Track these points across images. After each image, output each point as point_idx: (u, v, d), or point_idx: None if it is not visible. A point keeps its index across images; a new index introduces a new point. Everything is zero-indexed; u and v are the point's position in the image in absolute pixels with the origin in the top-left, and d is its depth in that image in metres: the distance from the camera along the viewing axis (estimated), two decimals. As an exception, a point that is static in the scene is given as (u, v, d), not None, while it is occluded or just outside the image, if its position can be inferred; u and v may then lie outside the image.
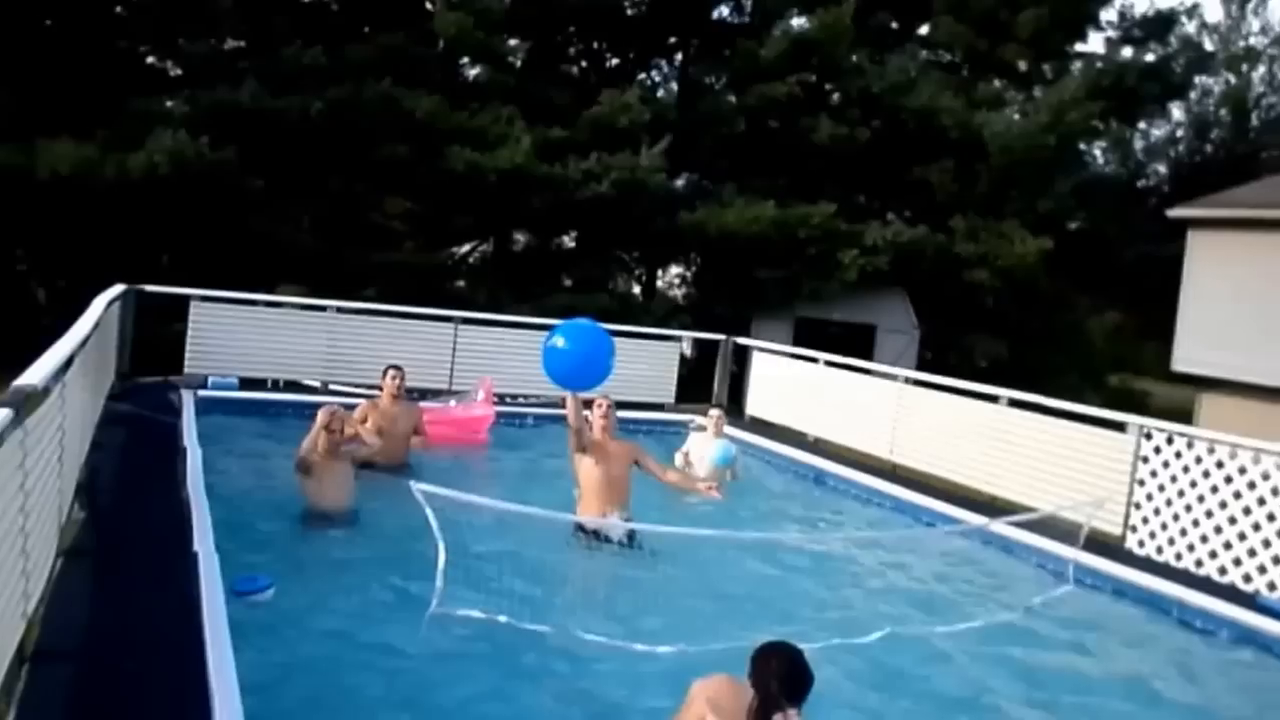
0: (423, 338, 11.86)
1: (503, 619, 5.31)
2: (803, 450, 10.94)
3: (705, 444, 9.35)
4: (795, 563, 7.17)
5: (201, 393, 10.24)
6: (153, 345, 11.28)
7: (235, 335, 11.07)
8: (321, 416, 7.13)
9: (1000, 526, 7.82)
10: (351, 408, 8.40)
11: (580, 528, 6.94)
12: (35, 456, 4.36)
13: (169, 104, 16.56)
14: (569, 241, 22.13)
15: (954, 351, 21.26)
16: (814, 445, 11.33)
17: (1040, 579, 7.48)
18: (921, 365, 18.98)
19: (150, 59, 18.93)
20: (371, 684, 4.69)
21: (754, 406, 12.90)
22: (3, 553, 3.68)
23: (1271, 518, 7.45)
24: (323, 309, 11.69)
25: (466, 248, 22.36)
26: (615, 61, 23.43)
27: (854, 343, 18.20)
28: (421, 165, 17.52)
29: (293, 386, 11.28)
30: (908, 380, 11.29)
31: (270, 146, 16.63)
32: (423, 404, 9.55)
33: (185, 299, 10.98)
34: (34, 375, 4.33)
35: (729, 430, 11.63)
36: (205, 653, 4.16)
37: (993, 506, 8.77)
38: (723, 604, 6.11)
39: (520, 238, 21.95)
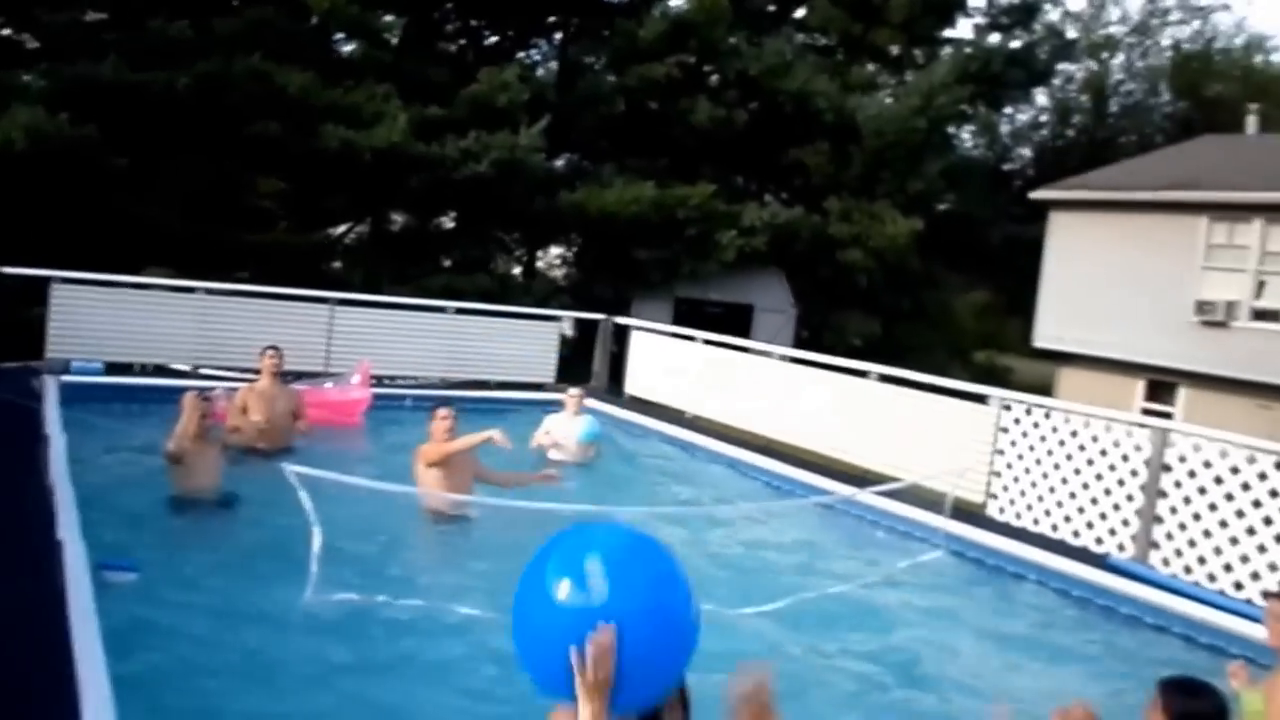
0: (297, 319, 11.58)
1: (380, 599, 5.29)
2: (680, 427, 11.15)
3: (566, 423, 9.42)
4: (667, 535, 7.32)
5: (64, 378, 9.77)
6: (11, 330, 10.72)
7: (99, 318, 10.59)
8: (189, 406, 6.93)
9: (868, 496, 8.15)
10: (230, 391, 8.21)
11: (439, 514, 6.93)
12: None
13: (26, 78, 15.71)
14: (448, 222, 21.87)
15: (829, 330, 21.90)
16: (692, 422, 11.56)
17: (907, 546, 7.84)
18: (798, 343, 19.49)
19: (6, 31, 17.86)
20: (245, 671, 4.59)
21: (633, 385, 13.06)
22: None
23: (1121, 483, 7.97)
24: (191, 290, 11.30)
25: (342, 228, 21.87)
26: (494, 40, 23.18)
27: (732, 322, 18.60)
28: (294, 143, 17.02)
29: (161, 371, 10.89)
30: (783, 358, 11.62)
31: (135, 123, 15.90)
32: (296, 385, 9.33)
33: (46, 281, 10.46)
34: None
35: (610, 409, 11.81)
36: (71, 641, 4.04)
37: (865, 478, 9.10)
38: None
39: (398, 218, 21.57)
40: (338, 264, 20.30)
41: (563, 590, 2.05)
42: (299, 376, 10.15)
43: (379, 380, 10.89)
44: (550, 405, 10.99)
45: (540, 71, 22.28)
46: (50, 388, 9.23)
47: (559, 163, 21.85)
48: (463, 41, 22.84)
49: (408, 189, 18.35)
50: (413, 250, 20.02)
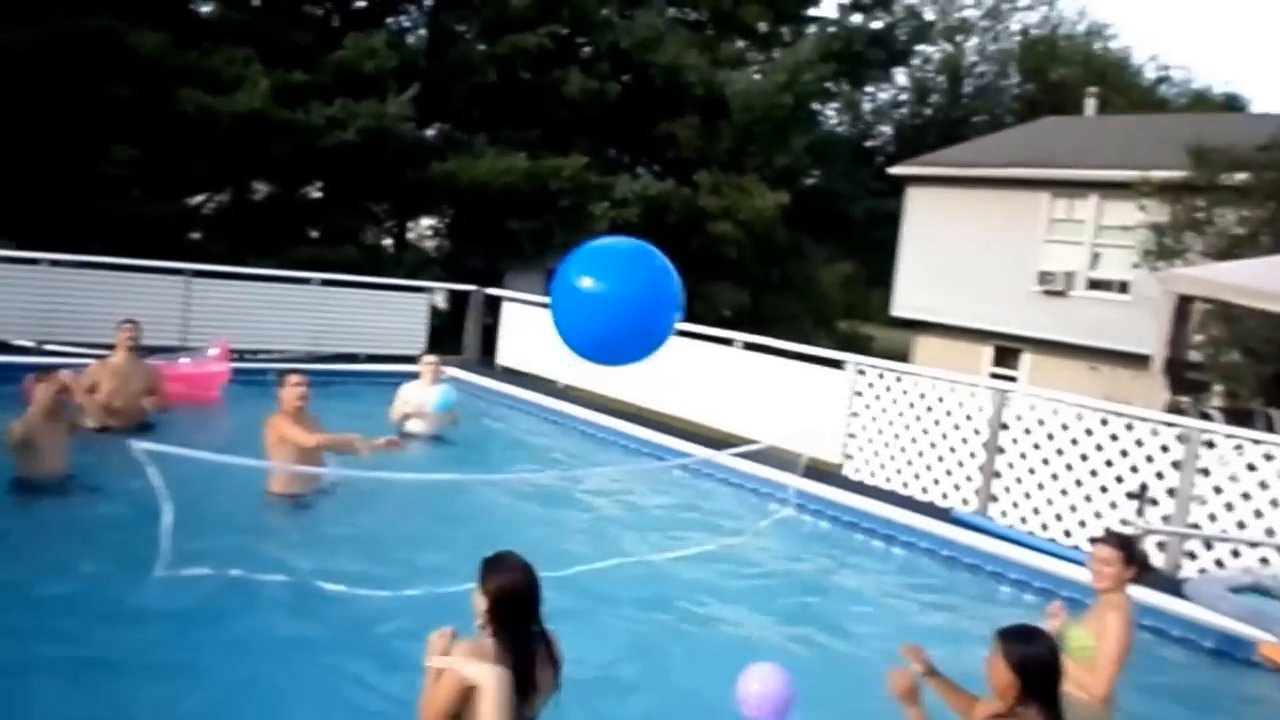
0: (152, 292, 11.13)
1: (235, 573, 5.20)
2: (551, 397, 11.22)
3: (423, 391, 9.31)
4: (527, 501, 7.43)
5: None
6: None
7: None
8: (46, 385, 6.60)
9: (726, 458, 8.41)
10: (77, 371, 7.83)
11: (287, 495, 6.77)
12: None
13: None
14: (314, 192, 21.23)
15: (699, 300, 22.22)
16: (564, 392, 11.64)
17: (765, 506, 8.13)
18: (670, 314, 19.70)
19: None
20: (99, 652, 4.47)
21: (505, 356, 13.06)
22: None
23: (965, 441, 8.45)
24: (35, 263, 10.72)
25: (201, 198, 20.95)
26: (361, 4, 22.51)
27: (606, 293, 18.63)
28: (148, 108, 16.24)
29: (2, 347, 10.32)
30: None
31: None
32: (151, 360, 8.94)
33: None
34: None
35: (481, 381, 11.79)
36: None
37: (729, 443, 9.36)
38: (455, 545, 6.16)
39: (260, 187, 20.78)
40: (197, 235, 19.49)
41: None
42: (153, 352, 9.71)
43: (240, 355, 10.59)
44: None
45: (410, 39, 21.76)
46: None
47: (430, 132, 21.43)
48: (328, 5, 22.10)
49: (271, 157, 17.73)
50: (277, 221, 19.36)
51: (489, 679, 3.17)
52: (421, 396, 9.23)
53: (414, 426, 9.09)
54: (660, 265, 3.64)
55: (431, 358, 9.67)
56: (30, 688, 4.13)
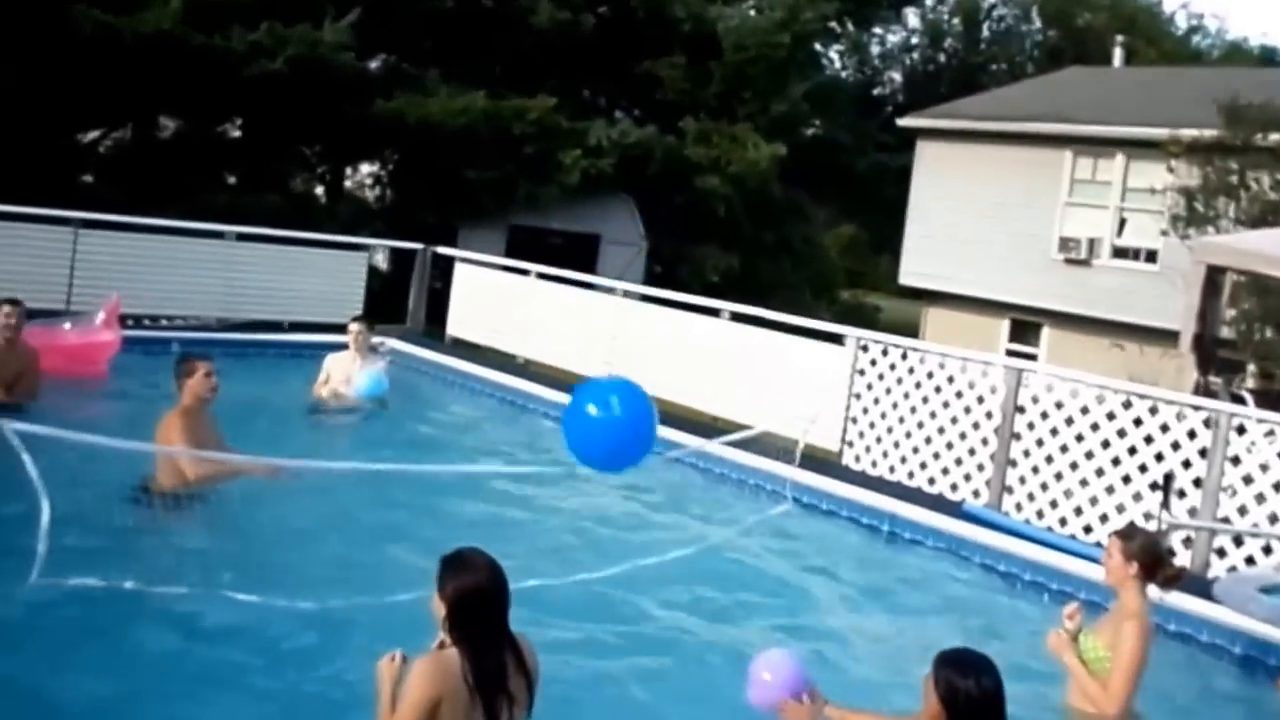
0: (32, 246, 10.72)
1: (129, 585, 4.98)
2: (511, 375, 11.06)
3: (349, 364, 9.06)
4: (480, 499, 7.22)
5: None
6: None
7: None
8: None
9: (715, 447, 8.30)
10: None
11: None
12: None
13: None
14: (234, 130, 20.91)
15: (684, 264, 22.14)
16: (524, 368, 11.51)
17: (759, 500, 8.03)
18: (650, 280, 19.63)
19: None
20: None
21: (456, 326, 12.88)
22: None
23: (976, 426, 8.41)
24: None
25: (96, 134, 20.54)
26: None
27: (576, 255, 18.53)
28: (34, 26, 15.86)
29: None
30: (626, 294, 11.68)
31: None
32: (30, 326, 8.52)
33: None
34: None
35: (427, 354, 11.62)
36: None
37: (714, 427, 9.28)
38: (391, 547, 6.07)
39: (169, 124, 20.43)
40: (89, 177, 19.12)
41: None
42: (32, 316, 9.29)
43: (136, 320, 10.34)
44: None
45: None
46: None
47: (373, 65, 21.12)
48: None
49: (181, 88, 17.40)
50: (188, 163, 19.00)
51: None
52: (348, 370, 9.01)
53: (338, 407, 8.88)
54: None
55: (357, 325, 9.37)
56: None
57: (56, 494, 4.93)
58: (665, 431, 9.13)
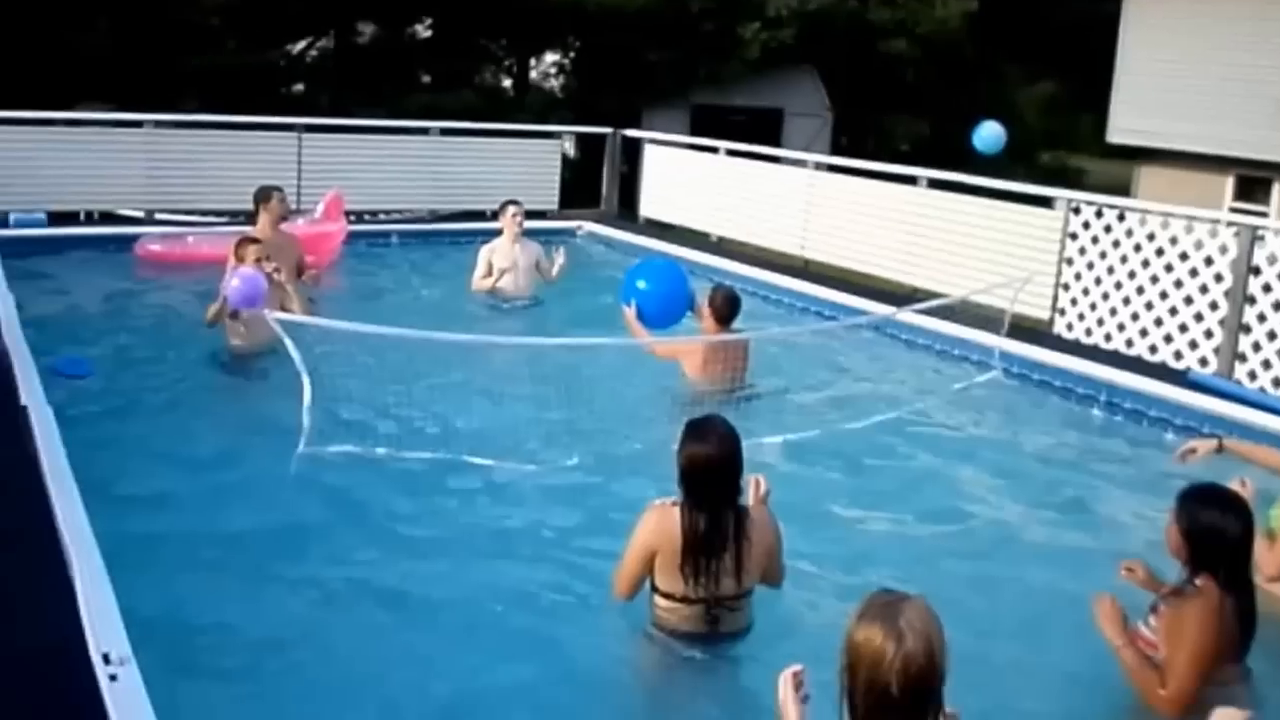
0: (262, 151, 11.45)
1: (381, 451, 5.47)
2: (705, 252, 11.13)
3: (508, 250, 8.83)
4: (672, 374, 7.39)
5: (3, 232, 9.86)
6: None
7: (35, 163, 10.49)
8: (251, 253, 6.94)
9: (916, 316, 8.18)
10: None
11: None
12: None
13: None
14: (424, 31, 21.33)
15: (872, 135, 21.57)
16: (718, 246, 11.55)
17: (964, 369, 7.93)
18: (836, 151, 19.22)
19: None
20: (239, 527, 4.83)
21: (649, 207, 13.01)
22: None
23: (1204, 289, 8.00)
24: (138, 125, 11.19)
25: (302, 44, 21.36)
26: None
27: (759, 130, 18.28)
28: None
29: (110, 218, 10.92)
30: (818, 166, 11.51)
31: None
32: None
33: (-35, 123, 10.37)
34: None
35: (621, 235, 11.80)
36: (53, 509, 4.23)
37: (913, 297, 9.15)
38: (607, 416, 6.23)
39: (365, 29, 21.02)
40: (299, 86, 19.96)
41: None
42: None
43: (358, 216, 10.87)
44: (555, 235, 11.02)
45: None
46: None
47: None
48: None
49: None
50: (385, 66, 19.60)
51: None
52: (511, 257, 8.83)
53: (506, 290, 8.81)
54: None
55: (515, 207, 9.06)
56: (164, 549, 4.55)
57: (316, 374, 5.47)
58: (864, 302, 9.17)
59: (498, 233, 9.12)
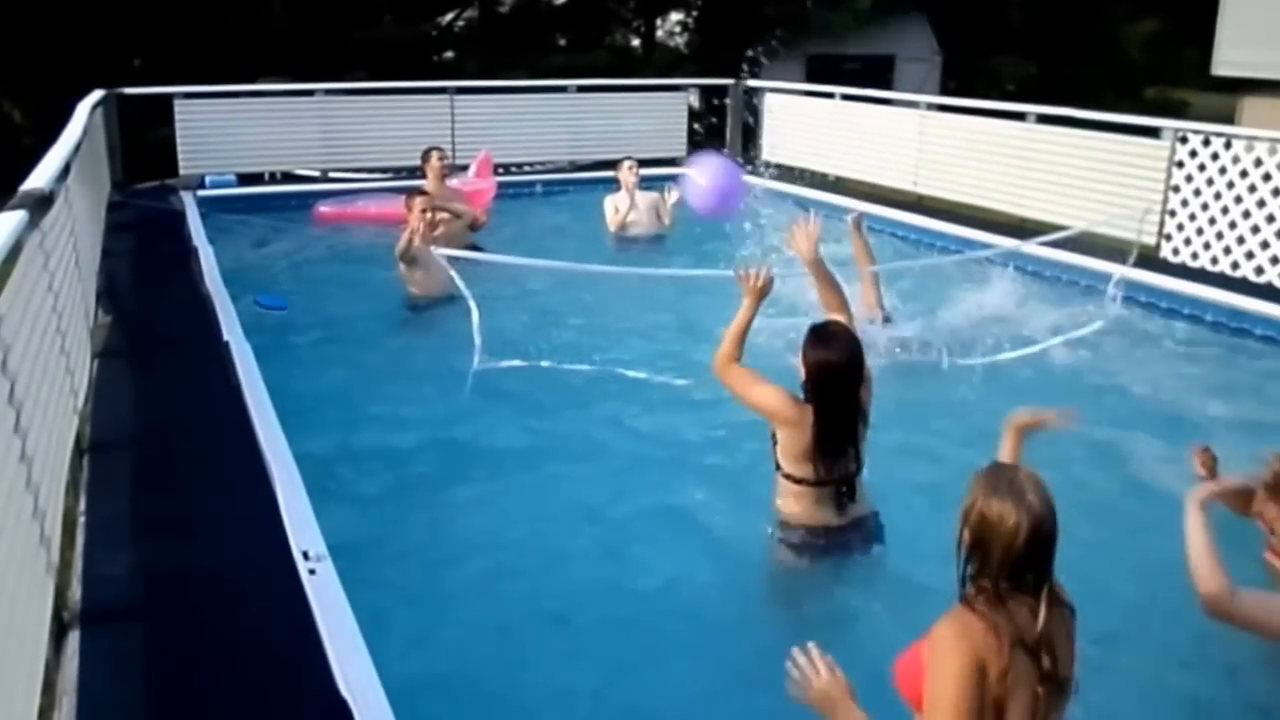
0: (419, 113, 11.64)
1: (545, 364, 5.74)
2: (824, 190, 10.89)
3: (628, 201, 9.18)
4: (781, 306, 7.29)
5: (201, 193, 10.28)
6: (143, 152, 11.21)
7: (226, 131, 10.92)
8: (418, 205, 7.19)
9: (1032, 247, 7.79)
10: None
11: None
12: (56, 259, 4.48)
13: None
14: (559, -3, 21.25)
15: (980, 77, 20.66)
16: (835, 185, 11.29)
17: (1084, 300, 7.42)
18: (944, 94, 18.48)
19: None
20: (423, 441, 5.14)
21: (770, 151, 12.77)
22: (45, 352, 3.86)
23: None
24: (311, 93, 11.48)
25: (450, 16, 21.51)
26: None
27: (871, 77, 17.71)
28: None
29: (290, 178, 11.27)
30: (929, 106, 11.09)
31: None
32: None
33: (168, 99, 10.79)
34: (36, 181, 4.36)
35: (747, 180, 11.58)
36: (255, 431, 4.43)
37: (1022, 229, 8.79)
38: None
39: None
40: (450, 54, 20.12)
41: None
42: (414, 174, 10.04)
43: (507, 169, 10.95)
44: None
45: None
46: (189, 203, 9.71)
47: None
48: None
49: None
50: (524, 32, 19.60)
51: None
52: (629, 200, 9.22)
53: (634, 232, 9.18)
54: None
55: (630, 161, 9.36)
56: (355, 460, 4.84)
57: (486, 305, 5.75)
58: (978, 234, 8.82)
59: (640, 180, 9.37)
